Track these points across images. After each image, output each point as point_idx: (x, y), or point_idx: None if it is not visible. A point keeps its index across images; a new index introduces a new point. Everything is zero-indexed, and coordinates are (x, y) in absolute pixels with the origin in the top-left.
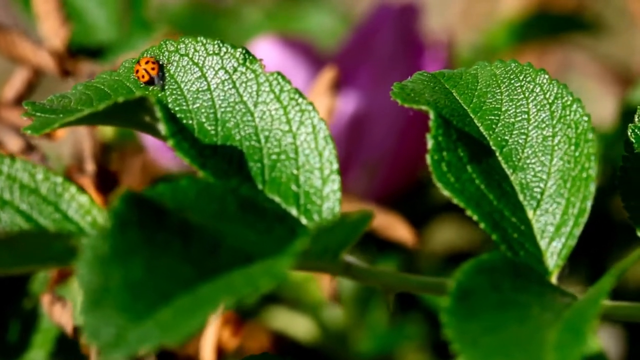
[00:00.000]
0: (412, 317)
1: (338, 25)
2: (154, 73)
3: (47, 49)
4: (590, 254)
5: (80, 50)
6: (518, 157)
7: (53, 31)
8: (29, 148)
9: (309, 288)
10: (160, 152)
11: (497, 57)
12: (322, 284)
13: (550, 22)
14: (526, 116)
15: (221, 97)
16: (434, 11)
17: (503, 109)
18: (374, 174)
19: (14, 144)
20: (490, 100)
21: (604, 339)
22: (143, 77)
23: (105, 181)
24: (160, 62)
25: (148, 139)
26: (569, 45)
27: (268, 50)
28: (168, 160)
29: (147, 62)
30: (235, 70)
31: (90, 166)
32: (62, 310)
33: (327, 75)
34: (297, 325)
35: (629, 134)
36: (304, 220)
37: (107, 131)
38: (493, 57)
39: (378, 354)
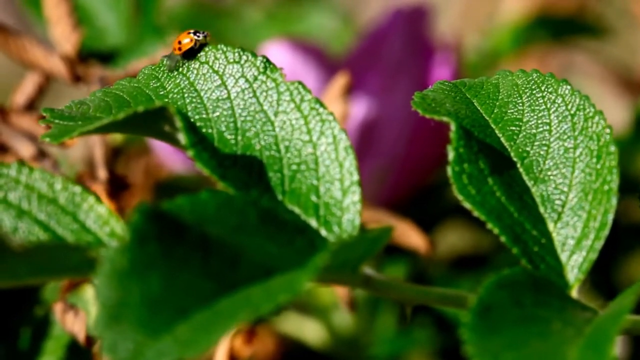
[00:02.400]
0: (421, 322)
1: (339, 26)
2: (188, 46)
3: (58, 54)
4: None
5: (91, 55)
6: (539, 168)
7: (64, 36)
8: (41, 154)
9: (318, 292)
10: (167, 154)
11: (500, 60)
12: (336, 290)
13: (554, 25)
14: (548, 127)
15: (241, 106)
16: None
17: (524, 120)
18: (384, 179)
19: (25, 150)
20: (512, 111)
21: None
22: (180, 49)
23: (117, 188)
24: (198, 38)
25: (155, 143)
26: (571, 46)
27: (278, 54)
28: (175, 162)
29: (185, 36)
30: (255, 78)
31: (102, 173)
32: (74, 319)
33: (340, 81)
34: (307, 330)
35: None
36: (323, 232)
37: (117, 136)
38: (497, 60)
39: (387, 358)
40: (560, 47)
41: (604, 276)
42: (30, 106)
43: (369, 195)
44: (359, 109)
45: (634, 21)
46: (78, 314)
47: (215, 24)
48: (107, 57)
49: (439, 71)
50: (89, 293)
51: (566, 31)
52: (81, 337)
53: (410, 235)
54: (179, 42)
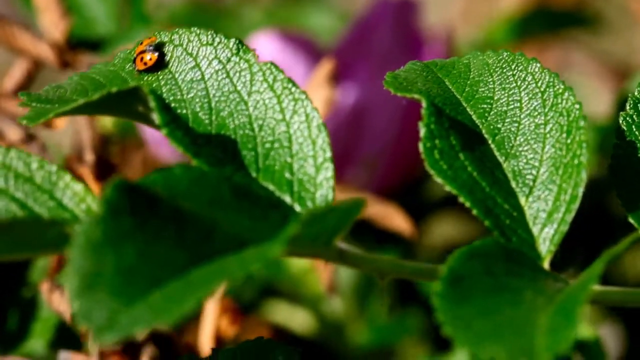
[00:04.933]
0: (411, 310)
1: (337, 24)
2: (150, 63)
3: (47, 41)
4: (589, 250)
5: (79, 43)
6: (510, 144)
7: (53, 24)
8: (29, 138)
9: (307, 281)
10: (160, 146)
11: None
12: (319, 275)
13: (550, 17)
14: (518, 104)
15: (215, 87)
16: (434, 8)
17: (495, 98)
18: (373, 168)
19: (13, 134)
20: (483, 89)
21: (604, 335)
22: (145, 64)
23: (104, 171)
24: (161, 50)
25: (147, 133)
26: (569, 42)
27: (267, 45)
28: (168, 154)
29: (147, 49)
30: (228, 60)
31: (89, 156)
32: (61, 298)
33: (325, 67)
34: (296, 319)
35: (621, 121)
36: (297, 208)
37: (107, 122)
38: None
39: (377, 346)
40: (558, 42)
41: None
42: (19, 91)
43: (359, 184)
44: (348, 98)
45: (633, 19)
46: (65, 293)
47: (215, 23)
48: (96, 45)
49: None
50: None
51: (562, 24)
52: (67, 315)
53: (394, 218)
54: (142, 59)
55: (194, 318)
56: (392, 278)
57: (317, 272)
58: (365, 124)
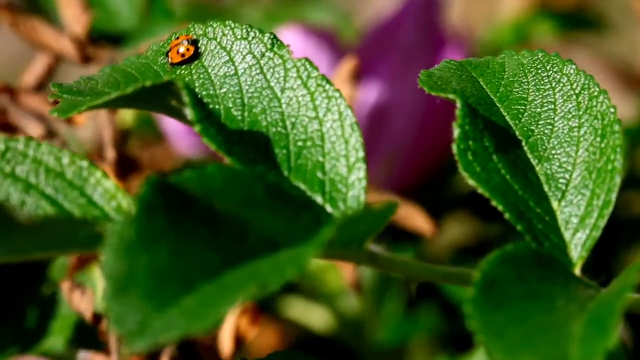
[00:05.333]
0: (427, 308)
1: (338, 25)
2: (188, 54)
3: (69, 36)
4: (596, 251)
5: (101, 37)
6: (544, 147)
7: (74, 18)
8: (50, 134)
9: (325, 278)
10: (180, 139)
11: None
12: (341, 274)
13: (555, 20)
14: (553, 107)
15: (249, 83)
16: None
17: (530, 99)
18: (393, 165)
19: (34, 130)
20: (517, 90)
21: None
22: (184, 55)
23: (126, 168)
24: (197, 43)
25: (168, 127)
26: (573, 43)
27: (292, 39)
28: (187, 147)
29: (184, 42)
30: (263, 55)
31: (110, 153)
32: (81, 297)
33: (348, 65)
34: (314, 316)
35: None
36: (329, 209)
37: (127, 118)
38: (499, 54)
39: (394, 344)
40: (562, 43)
41: (605, 269)
42: (40, 87)
43: (378, 181)
44: (370, 95)
45: (635, 18)
46: (85, 292)
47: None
48: (118, 40)
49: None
50: (97, 272)
51: (567, 26)
52: (88, 315)
53: (415, 218)
54: (178, 52)
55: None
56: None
57: (335, 270)
58: (386, 122)
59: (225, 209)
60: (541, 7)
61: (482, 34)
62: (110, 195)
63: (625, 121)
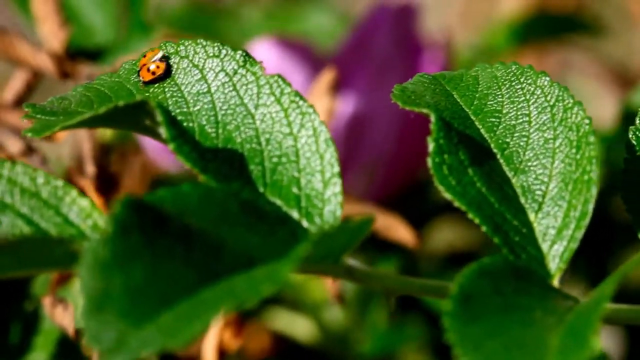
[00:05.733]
0: (412, 318)
1: (337, 26)
2: (159, 72)
3: (46, 51)
4: (590, 256)
5: (78, 53)
6: (519, 159)
7: (52, 33)
8: (29, 150)
9: (309, 289)
10: (159, 153)
11: (497, 57)
12: (325, 285)
13: (551, 22)
14: (527, 119)
15: (222, 100)
16: (433, 11)
17: (504, 112)
18: (372, 175)
19: (14, 146)
20: (491, 103)
21: (603, 339)
22: (154, 73)
23: (105, 183)
24: (167, 61)
25: (146, 141)
26: (569, 45)
27: (266, 52)
28: (166, 161)
29: (152, 60)
30: (235, 72)
31: (90, 168)
32: (63, 312)
33: (327, 76)
34: (298, 326)
35: (630, 136)
36: (305, 224)
37: (107, 132)
38: (493, 57)
39: (379, 354)
40: (558, 45)
41: (599, 274)
42: (19, 103)
43: (358, 192)
44: (347, 106)
45: (632, 20)
46: (67, 307)
47: (214, 24)
48: (95, 55)
49: (427, 69)
50: (78, 288)
51: (563, 29)
52: (70, 330)
53: (397, 229)
54: (148, 69)
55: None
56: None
57: (318, 280)
58: (364, 132)
59: (200, 226)
60: (538, 9)
61: (478, 37)
62: (86, 214)
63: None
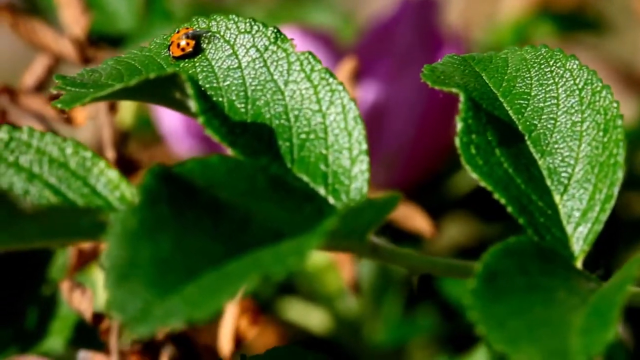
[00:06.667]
0: (426, 309)
1: (339, 25)
2: (188, 49)
3: (68, 37)
4: (597, 251)
5: (100, 39)
6: (546, 141)
7: (74, 19)
8: None
9: (323, 279)
10: (179, 140)
11: None
12: (342, 274)
13: (555, 21)
14: (555, 101)
15: (252, 75)
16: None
17: (532, 94)
18: (391, 166)
19: None
20: (520, 85)
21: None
22: (183, 50)
23: (125, 168)
24: (197, 37)
25: (166, 128)
26: (573, 44)
27: None
28: (186, 149)
29: (183, 36)
30: (266, 48)
31: (110, 153)
32: (81, 297)
33: (347, 65)
34: (312, 317)
35: None
36: (331, 200)
37: (126, 119)
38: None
39: (392, 345)
40: (562, 43)
41: (605, 270)
42: (40, 87)
43: (377, 182)
44: (368, 96)
45: (635, 18)
46: (85, 292)
47: None
48: (117, 41)
49: None
50: (96, 273)
51: (567, 27)
52: (88, 315)
53: (415, 219)
54: (178, 45)
55: (213, 318)
56: (407, 276)
57: (333, 271)
58: (384, 123)
59: (228, 199)
60: (541, 8)
61: (482, 35)
62: (114, 185)
63: (624, 122)
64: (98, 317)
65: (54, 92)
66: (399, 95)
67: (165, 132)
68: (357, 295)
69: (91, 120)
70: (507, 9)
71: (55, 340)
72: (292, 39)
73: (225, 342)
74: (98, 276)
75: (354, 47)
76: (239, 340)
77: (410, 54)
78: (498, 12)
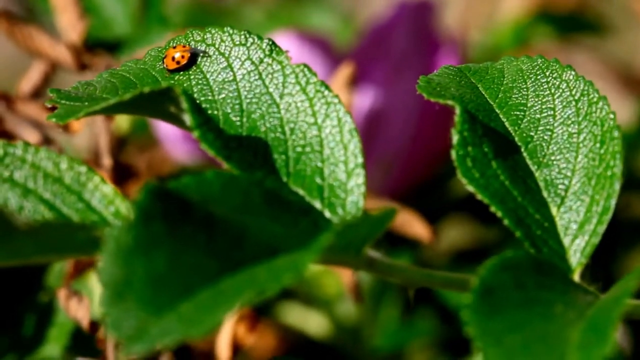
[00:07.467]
0: (424, 314)
1: (339, 25)
2: (183, 62)
3: (64, 43)
4: (595, 253)
5: (97, 45)
6: (543, 153)
7: (70, 25)
8: (46, 141)
9: (322, 284)
10: (176, 145)
11: (502, 56)
12: (337, 280)
13: (555, 22)
14: (552, 112)
15: (247, 88)
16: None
17: (529, 105)
18: (388, 171)
19: (31, 137)
20: (516, 96)
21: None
22: (178, 62)
23: (122, 175)
24: (192, 51)
25: (162, 132)
26: (573, 45)
27: (285, 44)
28: (183, 153)
29: (178, 49)
30: (261, 61)
31: (106, 160)
32: (78, 305)
33: (345, 71)
34: (310, 321)
35: None
36: (327, 214)
37: (123, 124)
38: (498, 56)
39: (390, 349)
40: (562, 44)
41: (604, 272)
42: (36, 94)
43: (374, 187)
44: (364, 101)
45: (635, 19)
46: (82, 300)
47: (216, 23)
48: (114, 47)
49: (444, 64)
50: (93, 280)
51: (567, 28)
52: (85, 323)
53: (413, 225)
54: (173, 58)
55: None
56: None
57: (331, 275)
58: (380, 127)
59: (223, 214)
60: (541, 9)
61: (482, 36)
62: (108, 200)
63: (624, 123)
64: (95, 324)
65: (49, 105)
66: (396, 99)
67: (162, 136)
68: (358, 300)
69: (88, 126)
70: (506, 10)
71: (52, 348)
72: (287, 51)
73: (223, 349)
74: (95, 284)
75: (351, 50)
76: (236, 347)
77: (406, 58)
78: (497, 13)
